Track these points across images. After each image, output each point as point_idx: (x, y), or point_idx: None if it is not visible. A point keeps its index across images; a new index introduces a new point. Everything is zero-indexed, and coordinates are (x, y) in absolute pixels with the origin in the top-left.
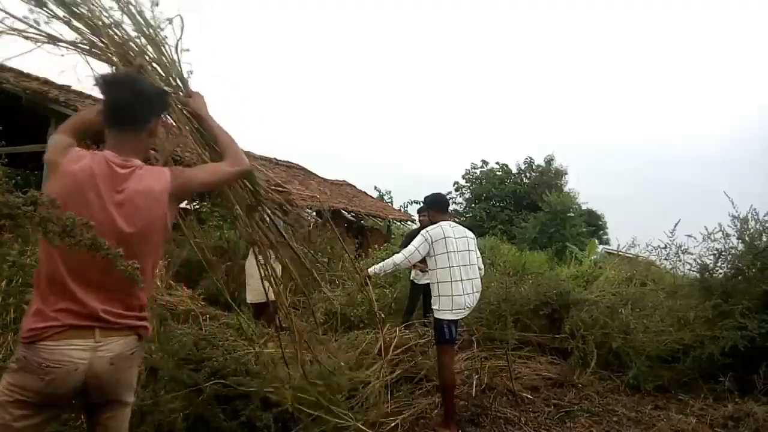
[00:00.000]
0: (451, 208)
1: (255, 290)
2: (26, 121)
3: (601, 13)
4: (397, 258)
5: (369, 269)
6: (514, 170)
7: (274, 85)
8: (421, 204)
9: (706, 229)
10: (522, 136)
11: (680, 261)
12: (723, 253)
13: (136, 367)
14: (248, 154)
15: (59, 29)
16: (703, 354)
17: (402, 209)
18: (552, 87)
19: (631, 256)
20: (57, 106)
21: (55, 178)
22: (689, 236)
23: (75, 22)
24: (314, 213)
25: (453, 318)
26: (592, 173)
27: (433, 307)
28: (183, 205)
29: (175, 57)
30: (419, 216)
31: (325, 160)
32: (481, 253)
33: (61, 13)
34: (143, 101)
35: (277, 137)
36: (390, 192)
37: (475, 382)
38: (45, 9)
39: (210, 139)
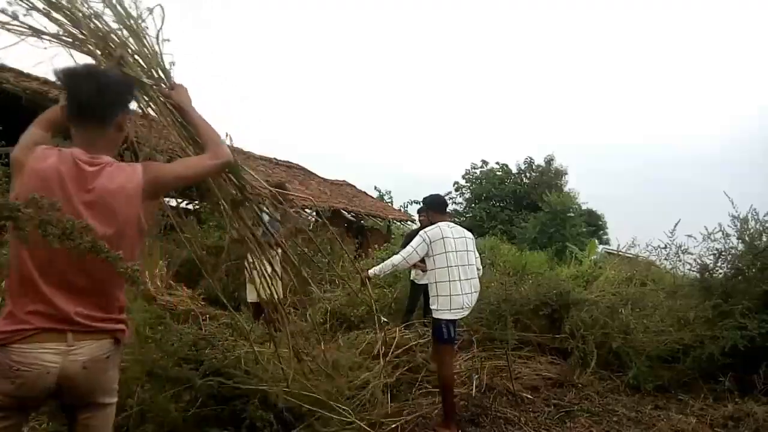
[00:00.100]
0: (451, 208)
1: (255, 290)
2: (26, 121)
3: (601, 13)
4: (395, 259)
5: (369, 271)
6: (514, 170)
7: (274, 85)
8: (421, 204)
9: (706, 229)
10: (522, 136)
11: (680, 261)
12: (723, 253)
13: (115, 370)
14: (248, 154)
15: (41, 22)
16: (703, 354)
17: (402, 209)
18: (552, 87)
19: (631, 256)
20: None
21: (21, 178)
22: (689, 236)
23: (55, 14)
24: (314, 213)
25: (452, 318)
26: (592, 173)
27: (432, 307)
28: (183, 204)
29: (157, 48)
30: (419, 216)
31: (325, 160)
32: (481, 253)
33: (40, 5)
34: (109, 94)
35: (277, 137)
36: (390, 192)
37: (475, 382)
38: (24, 0)
39: (194, 133)
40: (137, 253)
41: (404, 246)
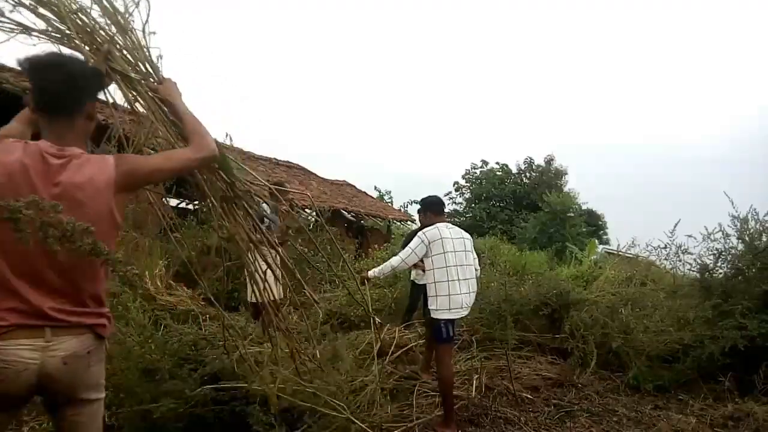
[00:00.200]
0: (451, 208)
1: (254, 290)
2: None
3: (601, 13)
4: (394, 261)
5: (369, 272)
6: (514, 170)
7: (274, 85)
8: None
9: (706, 229)
10: (522, 136)
11: (680, 261)
12: (723, 253)
13: (99, 365)
14: (248, 154)
15: (29, 18)
16: (703, 354)
17: (402, 209)
18: (552, 87)
19: (631, 256)
20: None
21: None
22: (689, 236)
23: (41, 9)
24: (314, 213)
25: (451, 317)
26: (592, 173)
27: (431, 307)
28: (183, 204)
29: (144, 42)
30: (419, 216)
31: (325, 160)
32: (481, 253)
33: (27, 0)
34: (75, 83)
35: (277, 137)
36: (390, 192)
37: (475, 383)
38: None
39: (181, 128)
40: (113, 248)
41: (404, 246)
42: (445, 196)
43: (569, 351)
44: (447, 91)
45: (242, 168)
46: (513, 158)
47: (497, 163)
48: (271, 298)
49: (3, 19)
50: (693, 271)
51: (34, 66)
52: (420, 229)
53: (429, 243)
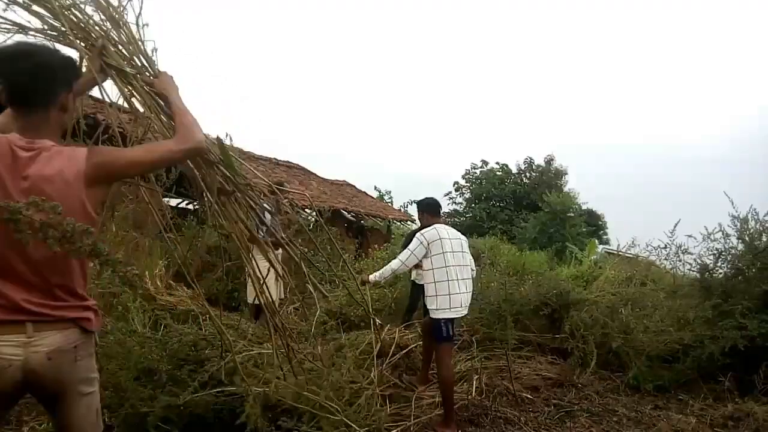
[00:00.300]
0: (451, 208)
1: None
2: None
3: (601, 13)
4: (394, 264)
5: (369, 276)
6: (514, 170)
7: (274, 85)
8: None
9: (706, 229)
10: (522, 136)
11: (680, 261)
12: (723, 253)
13: (88, 360)
14: (248, 154)
15: (24, 16)
16: (703, 354)
17: (402, 209)
18: (552, 87)
19: (631, 256)
20: None
21: None
22: (689, 236)
23: (35, 6)
24: (314, 213)
25: (451, 316)
26: (592, 173)
27: (431, 307)
28: (183, 204)
29: (138, 35)
30: (419, 215)
31: (325, 160)
32: (481, 253)
33: None
34: (47, 74)
35: (277, 137)
36: (390, 192)
37: (475, 383)
38: None
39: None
40: None
41: (405, 246)
42: (445, 196)
43: (569, 351)
44: (447, 91)
45: (242, 164)
46: (513, 158)
47: (497, 163)
48: (272, 298)
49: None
50: (693, 271)
51: (2, 58)
52: (419, 230)
53: (428, 244)
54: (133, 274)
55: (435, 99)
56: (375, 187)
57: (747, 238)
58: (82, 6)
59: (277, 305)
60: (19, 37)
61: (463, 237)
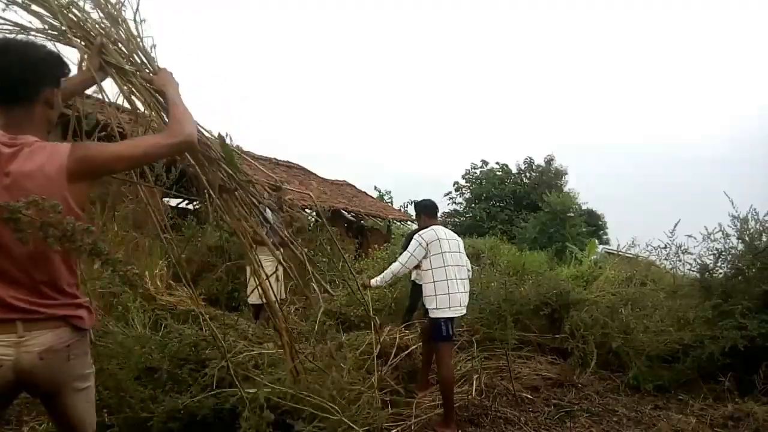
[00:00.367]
0: (451, 208)
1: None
2: None
3: (601, 13)
4: (395, 267)
5: (371, 281)
6: (514, 170)
7: (274, 85)
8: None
9: (706, 229)
10: (522, 136)
11: (680, 261)
12: (723, 253)
13: (82, 358)
14: (248, 154)
15: (24, 17)
16: (703, 354)
17: (402, 209)
18: (552, 87)
19: (631, 256)
20: None
21: None
22: (689, 236)
23: (34, 6)
24: (314, 213)
25: (451, 315)
26: (592, 173)
27: (430, 306)
28: (183, 204)
29: (136, 32)
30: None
31: (325, 160)
32: (481, 253)
33: None
34: (29, 69)
35: (277, 137)
36: (390, 192)
37: (475, 383)
38: None
39: None
40: None
41: (405, 246)
42: (445, 196)
43: (569, 351)
44: (447, 91)
45: (243, 158)
46: (513, 158)
47: (497, 163)
48: (273, 298)
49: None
50: (693, 271)
51: None
52: (416, 231)
53: (427, 244)
54: (134, 273)
55: (435, 99)
56: (375, 187)
57: (747, 238)
58: (81, 3)
59: (278, 305)
60: (20, 38)
61: (459, 238)
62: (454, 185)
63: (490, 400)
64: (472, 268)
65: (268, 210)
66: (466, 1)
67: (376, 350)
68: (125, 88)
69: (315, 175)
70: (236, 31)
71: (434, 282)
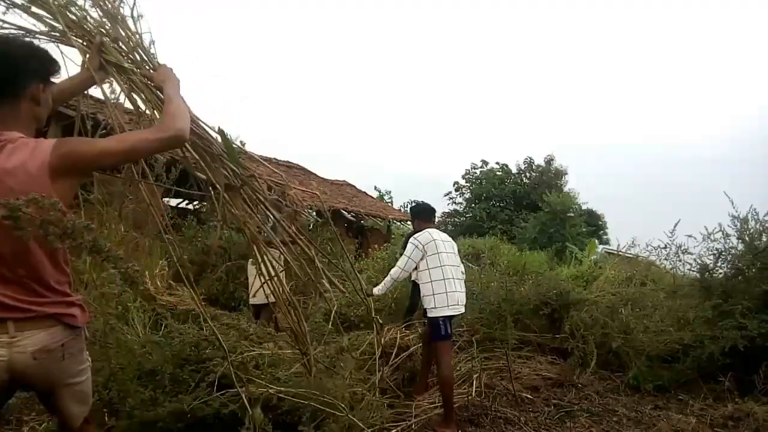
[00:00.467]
0: (451, 208)
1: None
2: None
3: (601, 13)
4: (394, 272)
5: (374, 290)
6: (514, 170)
7: (274, 85)
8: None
9: (706, 229)
10: (522, 136)
11: (680, 261)
12: (723, 253)
13: (77, 356)
14: (248, 154)
15: (28, 19)
16: (703, 354)
17: (402, 209)
18: (552, 87)
19: (631, 256)
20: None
21: None
22: (689, 236)
23: (34, 8)
24: (315, 213)
25: (449, 314)
26: (592, 173)
27: (428, 306)
28: (183, 204)
29: (135, 29)
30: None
31: (325, 160)
32: (480, 253)
33: (20, 0)
34: (12, 64)
35: (277, 137)
36: (390, 192)
37: (475, 383)
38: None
39: None
40: None
41: (405, 246)
42: (445, 196)
43: (569, 351)
44: (447, 90)
45: (244, 152)
46: (513, 158)
47: (497, 163)
48: (284, 297)
49: (2, 23)
50: (693, 271)
51: None
52: (412, 234)
53: (423, 246)
54: (135, 270)
55: (435, 99)
56: (375, 187)
57: (747, 238)
58: (80, 2)
59: (280, 305)
60: (1, 33)
61: (452, 241)
62: (454, 185)
63: (490, 400)
64: (471, 268)
65: (271, 208)
66: (466, 1)
67: (378, 351)
68: (125, 86)
69: (315, 175)
70: (236, 31)
71: (431, 281)
